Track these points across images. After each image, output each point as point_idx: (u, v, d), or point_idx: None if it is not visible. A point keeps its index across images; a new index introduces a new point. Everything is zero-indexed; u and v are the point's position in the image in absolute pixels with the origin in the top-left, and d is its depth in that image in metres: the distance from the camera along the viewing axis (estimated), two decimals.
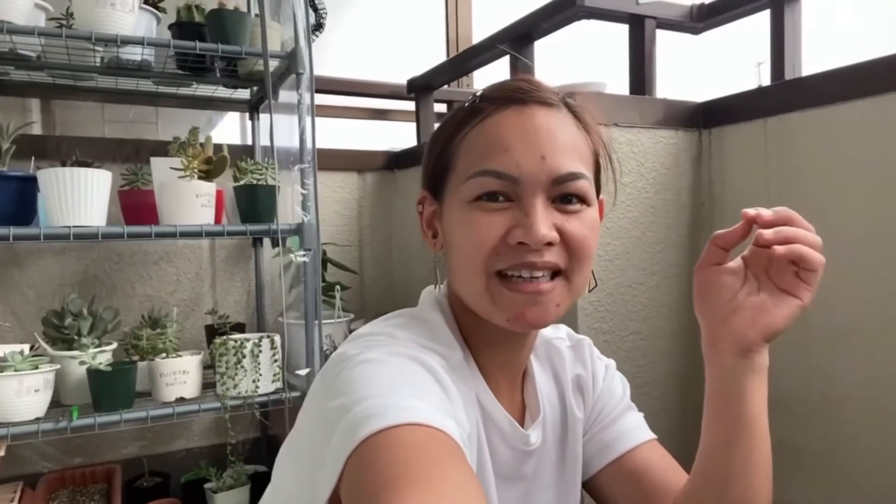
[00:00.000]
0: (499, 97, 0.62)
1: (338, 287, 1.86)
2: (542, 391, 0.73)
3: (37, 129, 2.31)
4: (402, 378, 0.53)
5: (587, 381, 0.77)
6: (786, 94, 1.31)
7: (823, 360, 1.25)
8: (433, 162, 0.67)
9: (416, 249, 2.11)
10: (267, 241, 1.99)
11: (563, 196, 0.60)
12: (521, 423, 0.69)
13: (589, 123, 0.64)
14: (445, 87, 2.41)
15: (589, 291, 0.66)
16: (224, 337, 1.60)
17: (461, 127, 0.63)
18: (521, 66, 1.53)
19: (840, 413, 1.23)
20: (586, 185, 0.61)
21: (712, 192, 1.49)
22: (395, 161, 2.32)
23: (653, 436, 0.76)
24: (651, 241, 1.46)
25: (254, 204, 1.58)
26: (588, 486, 0.77)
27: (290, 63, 1.55)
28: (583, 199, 0.61)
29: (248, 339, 1.57)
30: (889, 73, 1.11)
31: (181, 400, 1.51)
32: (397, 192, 2.32)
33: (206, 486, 1.75)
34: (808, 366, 1.28)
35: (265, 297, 2.05)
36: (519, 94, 0.61)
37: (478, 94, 0.65)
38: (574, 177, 0.59)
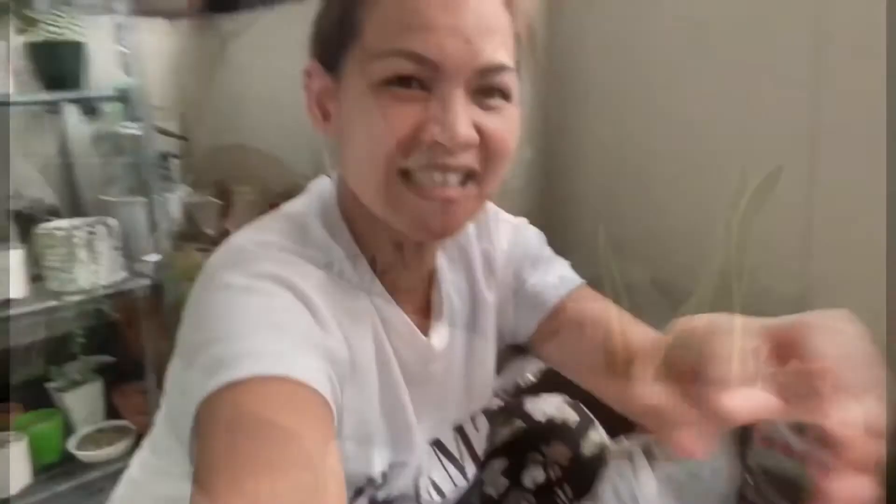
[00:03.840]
0: None
1: (172, 157, 1.66)
2: (450, 288, 0.68)
3: None
4: (263, 313, 0.48)
5: (492, 254, 0.71)
6: None
7: None
8: (329, 26, 0.55)
9: (253, 110, 1.92)
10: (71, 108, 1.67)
11: (485, 89, 0.52)
12: (430, 323, 0.66)
13: (516, 4, 0.55)
14: None
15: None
16: (44, 225, 1.37)
17: None
18: None
19: None
20: (512, 79, 0.53)
21: None
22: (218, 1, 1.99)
23: (580, 281, 0.71)
24: None
25: (56, 65, 1.30)
26: (534, 351, 0.73)
27: None
28: (505, 95, 0.53)
29: (76, 227, 1.37)
30: None
31: (6, 302, 1.31)
32: (222, 40, 2.03)
33: (49, 385, 1.59)
34: None
35: (76, 174, 1.77)
36: None
37: None
38: (501, 68, 0.51)
